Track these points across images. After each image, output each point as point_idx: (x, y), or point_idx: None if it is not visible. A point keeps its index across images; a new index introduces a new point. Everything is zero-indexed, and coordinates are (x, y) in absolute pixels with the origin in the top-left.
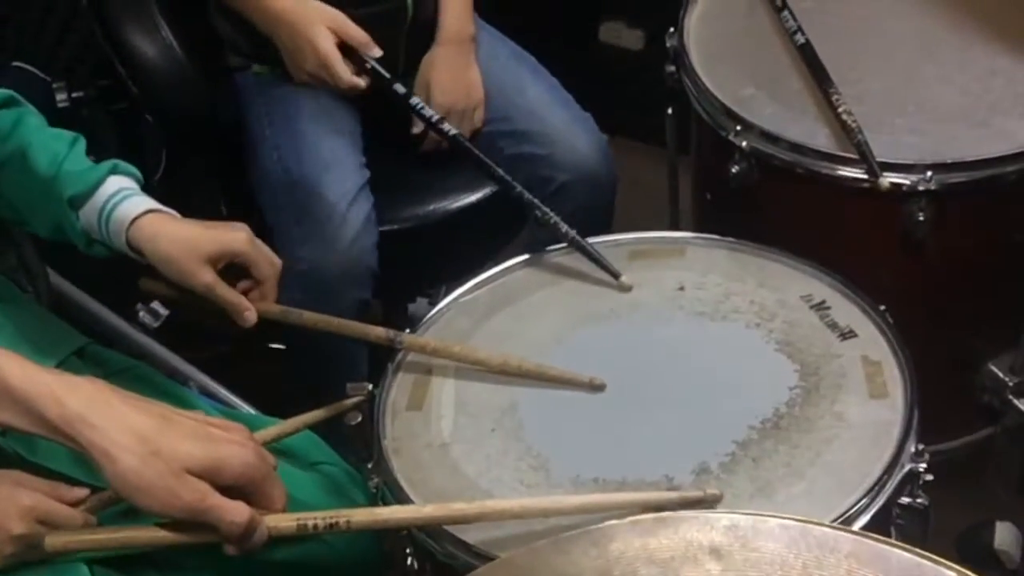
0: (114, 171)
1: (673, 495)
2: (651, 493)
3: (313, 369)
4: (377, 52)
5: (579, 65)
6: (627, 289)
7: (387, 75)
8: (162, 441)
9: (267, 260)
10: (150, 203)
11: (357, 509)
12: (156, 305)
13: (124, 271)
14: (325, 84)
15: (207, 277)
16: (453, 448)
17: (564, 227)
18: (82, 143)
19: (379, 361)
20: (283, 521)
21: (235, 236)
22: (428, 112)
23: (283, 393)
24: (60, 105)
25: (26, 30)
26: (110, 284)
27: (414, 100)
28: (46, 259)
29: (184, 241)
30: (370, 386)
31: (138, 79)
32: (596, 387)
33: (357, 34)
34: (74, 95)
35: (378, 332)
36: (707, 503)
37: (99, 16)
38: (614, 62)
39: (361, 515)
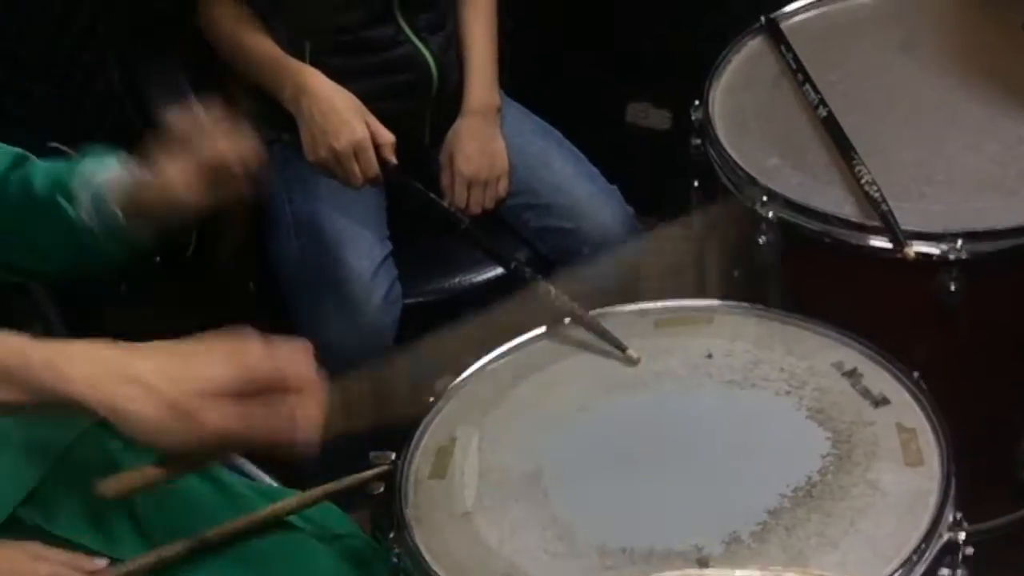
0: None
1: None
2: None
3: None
4: (393, 160)
5: (606, 147)
6: (634, 363)
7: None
8: (174, 373)
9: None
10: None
11: None
12: None
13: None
14: (335, 170)
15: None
16: (476, 517)
17: (572, 305)
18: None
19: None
20: None
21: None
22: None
23: (305, 467)
24: None
25: (63, 110)
26: None
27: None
28: (72, 331)
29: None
30: (393, 455)
31: None
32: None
33: (385, 133)
34: None
35: None
36: None
37: (132, 93)
38: (641, 143)
39: None
